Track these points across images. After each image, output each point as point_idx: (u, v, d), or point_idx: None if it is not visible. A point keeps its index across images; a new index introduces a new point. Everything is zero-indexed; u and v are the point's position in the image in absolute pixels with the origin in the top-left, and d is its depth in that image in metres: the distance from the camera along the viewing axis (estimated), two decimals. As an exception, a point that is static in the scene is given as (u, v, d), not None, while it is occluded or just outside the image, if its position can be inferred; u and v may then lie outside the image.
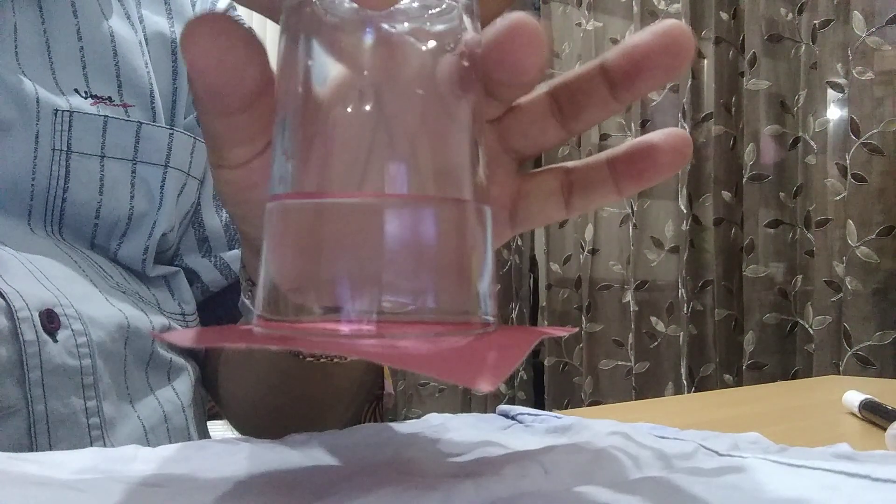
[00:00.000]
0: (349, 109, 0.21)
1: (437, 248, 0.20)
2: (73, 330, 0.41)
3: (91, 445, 0.41)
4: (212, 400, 0.56)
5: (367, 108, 0.21)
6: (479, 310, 0.20)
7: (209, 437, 0.52)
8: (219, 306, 0.55)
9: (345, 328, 0.19)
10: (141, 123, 0.49)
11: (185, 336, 0.23)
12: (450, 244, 0.20)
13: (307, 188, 0.21)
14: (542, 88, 0.27)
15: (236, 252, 0.55)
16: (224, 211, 0.56)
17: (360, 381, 0.48)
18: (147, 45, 0.53)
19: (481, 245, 0.21)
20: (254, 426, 0.51)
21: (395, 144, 0.21)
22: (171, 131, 0.51)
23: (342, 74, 0.21)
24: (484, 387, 0.16)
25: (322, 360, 0.37)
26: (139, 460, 0.26)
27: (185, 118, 0.54)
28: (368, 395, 0.51)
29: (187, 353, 0.52)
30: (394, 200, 0.20)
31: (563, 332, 0.22)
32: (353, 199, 0.20)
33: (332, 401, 0.46)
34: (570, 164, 0.29)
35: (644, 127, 1.92)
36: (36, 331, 0.39)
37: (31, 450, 0.38)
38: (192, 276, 0.55)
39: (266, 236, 0.21)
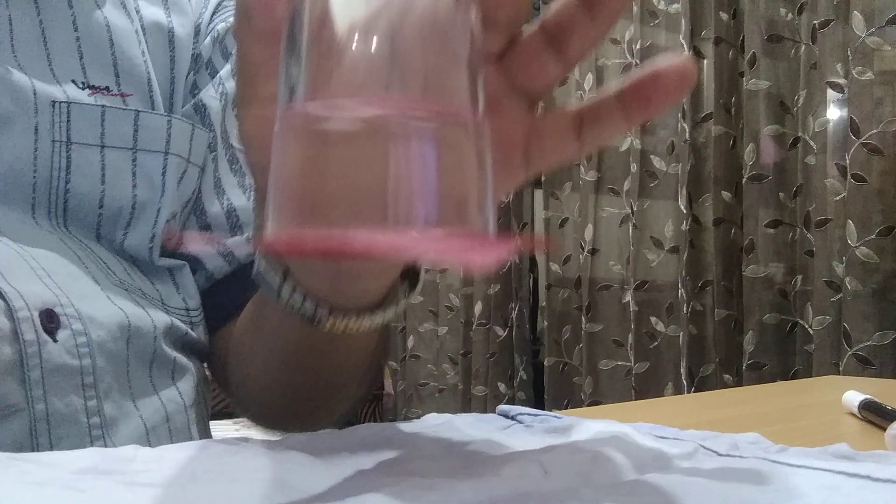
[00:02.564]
0: (356, 36, 0.22)
1: (441, 162, 0.21)
2: (72, 330, 0.41)
3: (92, 445, 0.41)
4: (220, 390, 0.56)
5: (374, 34, 0.21)
6: (479, 220, 0.22)
7: (211, 437, 0.52)
8: (223, 293, 0.55)
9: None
10: (139, 112, 0.49)
11: (199, 240, 0.24)
12: (453, 158, 0.21)
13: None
14: (534, 26, 0.29)
15: (239, 238, 0.55)
16: (225, 197, 0.55)
17: (370, 358, 0.47)
18: (144, 34, 0.53)
19: (482, 160, 0.22)
20: (265, 410, 0.51)
21: (402, 68, 0.22)
22: (169, 118, 0.51)
23: (349, 5, 0.22)
24: (479, 265, 0.17)
25: (341, 323, 0.37)
26: (139, 460, 0.26)
27: (182, 107, 0.54)
28: (377, 376, 0.52)
29: (191, 351, 0.52)
30: (401, 115, 0.21)
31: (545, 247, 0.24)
32: (360, 113, 0.21)
33: (344, 377, 0.46)
34: (580, 102, 0.30)
35: (643, 126, 1.92)
36: (36, 331, 0.39)
37: (32, 449, 0.38)
38: (196, 264, 0.55)
39: (274, 153, 0.22)
